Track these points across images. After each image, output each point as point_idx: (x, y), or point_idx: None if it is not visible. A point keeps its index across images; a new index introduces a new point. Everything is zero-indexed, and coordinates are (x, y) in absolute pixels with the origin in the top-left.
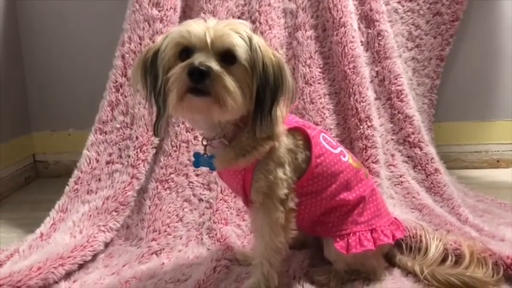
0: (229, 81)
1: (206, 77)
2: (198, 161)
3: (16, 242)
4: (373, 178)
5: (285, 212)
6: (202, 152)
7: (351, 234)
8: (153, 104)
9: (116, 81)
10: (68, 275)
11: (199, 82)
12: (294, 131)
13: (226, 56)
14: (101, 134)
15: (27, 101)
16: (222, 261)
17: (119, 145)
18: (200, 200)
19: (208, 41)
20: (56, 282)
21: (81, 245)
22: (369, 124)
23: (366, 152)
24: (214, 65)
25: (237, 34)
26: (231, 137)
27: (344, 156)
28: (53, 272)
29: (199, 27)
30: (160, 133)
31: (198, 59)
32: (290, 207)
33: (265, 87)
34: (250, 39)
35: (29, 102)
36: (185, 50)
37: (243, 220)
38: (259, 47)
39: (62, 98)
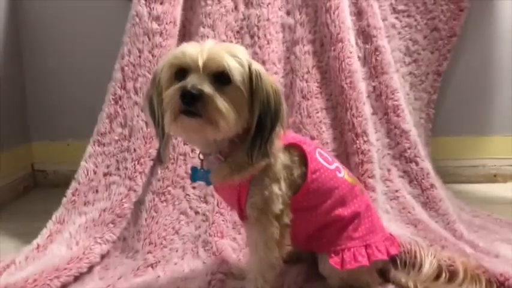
0: (221, 103)
1: (198, 100)
2: (195, 175)
3: (14, 252)
4: (368, 193)
5: (279, 228)
6: (199, 166)
7: (346, 250)
8: (159, 132)
9: (115, 94)
10: (63, 287)
11: (191, 105)
12: (290, 147)
13: (221, 77)
14: (99, 146)
15: (26, 111)
16: (217, 274)
17: (117, 157)
18: (196, 212)
19: (201, 62)
20: None
21: (77, 257)
22: (365, 139)
23: (362, 167)
24: (207, 88)
25: (233, 57)
26: (227, 152)
27: (340, 172)
28: (48, 284)
29: (193, 49)
30: (165, 160)
31: (190, 81)
32: (285, 223)
33: (267, 114)
34: (249, 65)
35: (28, 112)
36: (181, 71)
37: (239, 233)
38: (260, 74)
39: (61, 108)
